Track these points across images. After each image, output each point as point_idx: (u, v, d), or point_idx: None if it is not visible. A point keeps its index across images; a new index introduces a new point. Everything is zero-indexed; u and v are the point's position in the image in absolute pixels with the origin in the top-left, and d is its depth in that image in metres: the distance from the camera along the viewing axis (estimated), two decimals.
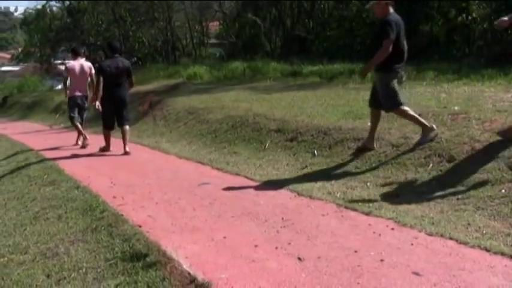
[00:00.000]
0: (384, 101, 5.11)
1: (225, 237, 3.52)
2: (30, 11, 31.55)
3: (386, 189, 4.44)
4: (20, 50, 34.38)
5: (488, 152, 4.39)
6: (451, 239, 3.19)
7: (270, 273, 2.89)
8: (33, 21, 29.15)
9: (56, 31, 25.66)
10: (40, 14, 27.32)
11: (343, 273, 2.82)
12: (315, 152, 5.85)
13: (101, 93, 7.37)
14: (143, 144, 8.30)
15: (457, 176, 4.27)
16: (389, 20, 5.02)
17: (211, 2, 23.84)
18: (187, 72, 16.13)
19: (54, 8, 27.46)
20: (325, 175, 5.09)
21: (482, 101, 6.23)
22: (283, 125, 6.87)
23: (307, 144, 6.11)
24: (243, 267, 3.00)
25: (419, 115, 5.26)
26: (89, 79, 8.38)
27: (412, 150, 4.98)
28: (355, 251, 3.11)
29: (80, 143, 8.62)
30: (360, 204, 4.03)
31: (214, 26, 26.98)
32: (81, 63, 8.44)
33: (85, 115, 8.76)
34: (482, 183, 4.02)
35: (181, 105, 10.25)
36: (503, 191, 3.82)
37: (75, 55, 8.69)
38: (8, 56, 43.23)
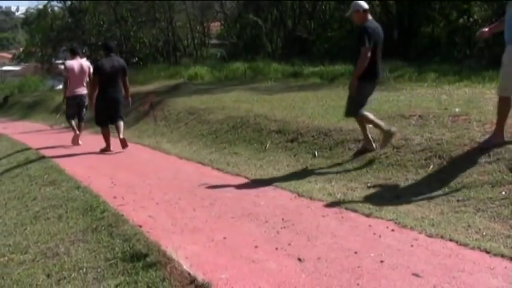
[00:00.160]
0: (350, 105, 5.29)
1: (225, 238, 3.52)
2: (32, 10, 31.74)
3: (386, 190, 4.44)
4: (21, 49, 34.53)
5: (489, 154, 4.39)
6: (451, 240, 3.19)
7: (270, 274, 2.89)
8: (34, 21, 29.26)
9: (57, 31, 25.73)
10: (41, 13, 27.41)
11: (343, 274, 2.82)
12: (316, 153, 5.86)
13: (96, 91, 7.51)
14: (144, 145, 8.30)
15: (457, 177, 4.26)
16: (366, 27, 5.06)
17: (213, 2, 23.88)
18: (188, 72, 16.16)
19: (56, 8, 27.61)
20: (326, 176, 5.09)
21: (483, 102, 6.23)
22: (284, 126, 6.87)
23: (308, 145, 6.11)
24: (243, 268, 3.00)
25: (380, 120, 5.38)
26: (88, 78, 8.50)
27: (412, 151, 4.99)
28: (355, 252, 3.11)
29: (80, 142, 8.65)
30: (360, 205, 4.03)
31: (215, 27, 27.02)
32: (80, 63, 8.62)
33: (84, 113, 8.82)
34: (482, 185, 4.01)
35: (182, 106, 10.26)
36: (503, 192, 3.82)
37: (74, 55, 8.85)
38: (9, 55, 43.38)
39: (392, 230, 3.45)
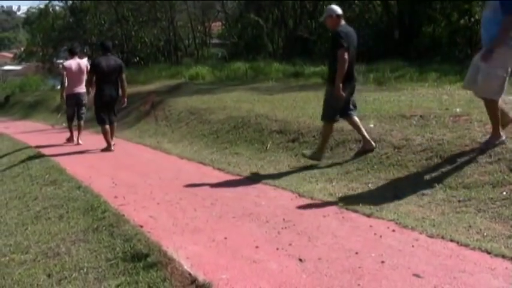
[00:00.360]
0: (325, 110, 5.42)
1: (226, 238, 3.52)
2: (33, 10, 31.81)
3: (387, 190, 4.44)
4: (22, 49, 34.56)
5: (490, 154, 4.38)
6: (452, 241, 3.19)
7: (270, 274, 2.89)
8: (35, 20, 29.31)
9: (59, 30, 25.77)
10: (43, 13, 27.45)
11: (344, 275, 2.82)
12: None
13: (93, 89, 7.63)
14: (145, 145, 8.31)
15: (458, 178, 4.26)
16: (339, 31, 5.24)
17: (214, 2, 23.89)
18: (189, 72, 16.16)
19: (57, 8, 27.65)
20: (327, 176, 5.09)
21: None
22: (285, 126, 6.87)
23: (309, 145, 6.11)
24: (244, 268, 3.00)
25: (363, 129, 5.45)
26: (86, 77, 8.55)
27: (413, 151, 4.98)
28: (356, 253, 3.11)
29: (80, 142, 8.68)
30: (361, 205, 4.03)
31: (216, 26, 27.03)
32: (77, 62, 8.73)
33: (83, 112, 8.85)
34: (483, 185, 4.01)
35: (183, 106, 10.27)
36: (504, 193, 3.81)
37: (72, 55, 8.96)
38: (11, 55, 43.47)
39: (393, 231, 3.45)
